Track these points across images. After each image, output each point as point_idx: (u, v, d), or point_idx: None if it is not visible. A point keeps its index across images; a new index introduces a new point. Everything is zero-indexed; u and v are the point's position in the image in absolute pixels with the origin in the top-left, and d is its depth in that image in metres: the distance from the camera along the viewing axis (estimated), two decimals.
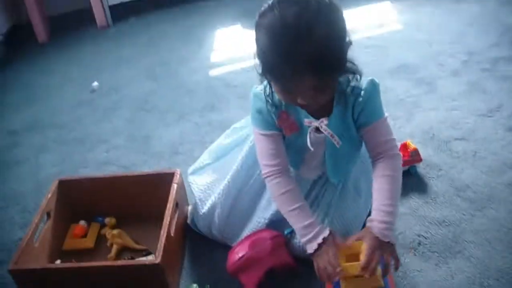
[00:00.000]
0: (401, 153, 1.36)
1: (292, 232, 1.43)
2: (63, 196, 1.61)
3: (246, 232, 1.49)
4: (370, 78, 1.30)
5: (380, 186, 1.31)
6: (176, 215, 1.49)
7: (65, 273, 1.33)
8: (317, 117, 1.31)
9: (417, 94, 2.18)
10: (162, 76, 2.63)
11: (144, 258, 1.49)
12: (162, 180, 1.56)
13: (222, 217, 1.51)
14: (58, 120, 2.36)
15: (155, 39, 3.09)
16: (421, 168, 1.74)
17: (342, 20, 1.14)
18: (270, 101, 1.31)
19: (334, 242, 1.27)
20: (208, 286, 1.35)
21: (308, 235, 1.28)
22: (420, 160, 1.70)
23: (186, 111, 2.29)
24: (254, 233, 1.44)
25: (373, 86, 1.30)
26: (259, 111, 1.34)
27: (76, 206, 1.66)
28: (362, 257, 1.22)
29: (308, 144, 1.32)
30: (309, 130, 1.32)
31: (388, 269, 1.25)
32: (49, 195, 1.55)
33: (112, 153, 2.07)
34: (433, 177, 1.71)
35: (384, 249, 1.23)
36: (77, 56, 2.99)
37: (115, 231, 1.58)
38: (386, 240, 1.24)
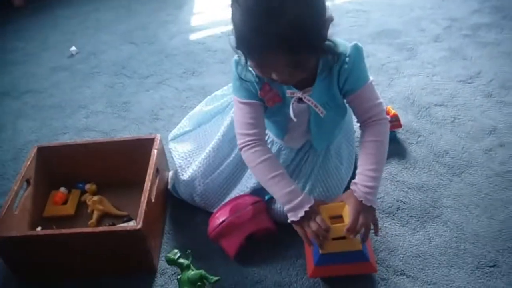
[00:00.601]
0: (388, 117, 1.35)
1: (273, 197, 1.44)
2: (42, 163, 1.59)
3: (228, 199, 1.49)
4: (353, 43, 1.27)
5: (366, 151, 1.30)
6: (157, 181, 1.49)
7: (46, 240, 1.32)
8: (299, 87, 1.29)
9: (398, 59, 2.18)
10: (141, 41, 2.59)
11: (125, 224, 1.49)
12: (143, 146, 1.55)
13: (203, 186, 1.51)
14: (36, 85, 2.32)
15: (134, 2, 3.03)
16: (401, 133, 1.75)
17: None
18: (252, 72, 1.28)
19: (317, 208, 1.28)
20: (190, 251, 1.36)
21: (291, 202, 1.27)
22: (400, 126, 1.71)
23: (166, 76, 2.27)
24: (235, 199, 1.45)
25: (358, 51, 1.27)
26: (240, 80, 1.31)
27: (56, 173, 1.64)
28: (346, 219, 1.24)
29: (291, 115, 1.31)
30: (291, 101, 1.31)
31: (368, 235, 1.27)
32: (28, 162, 1.53)
33: (91, 119, 2.05)
34: (413, 143, 1.72)
35: (367, 213, 1.25)
36: (54, 21, 2.93)
37: (95, 198, 1.58)
38: (369, 204, 1.25)
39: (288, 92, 1.30)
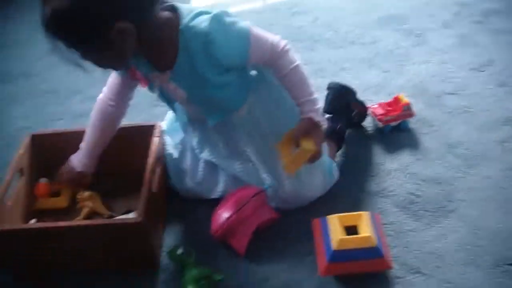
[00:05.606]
0: (285, 42, 1.25)
1: (271, 186, 1.40)
2: (36, 151, 1.52)
3: (221, 185, 1.46)
4: (210, 15, 1.14)
5: (290, 83, 1.27)
6: (158, 171, 1.41)
7: (40, 234, 1.25)
8: (162, 69, 1.25)
9: (406, 46, 2.12)
10: None
11: (124, 216, 1.40)
12: (142, 133, 1.49)
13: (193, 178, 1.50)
14: (29, 69, 2.25)
15: None
16: (412, 123, 1.69)
17: None
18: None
19: None
20: (192, 249, 1.29)
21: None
22: (413, 115, 1.65)
23: None
24: (235, 192, 1.39)
25: (218, 23, 1.14)
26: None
27: (50, 162, 1.54)
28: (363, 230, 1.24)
29: (163, 96, 1.37)
30: (156, 83, 1.30)
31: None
32: (21, 151, 1.46)
33: (87, 104, 1.95)
34: (425, 133, 1.66)
35: (319, 131, 1.27)
36: None
37: (86, 193, 1.48)
38: (317, 119, 1.25)
39: (152, 76, 1.28)
